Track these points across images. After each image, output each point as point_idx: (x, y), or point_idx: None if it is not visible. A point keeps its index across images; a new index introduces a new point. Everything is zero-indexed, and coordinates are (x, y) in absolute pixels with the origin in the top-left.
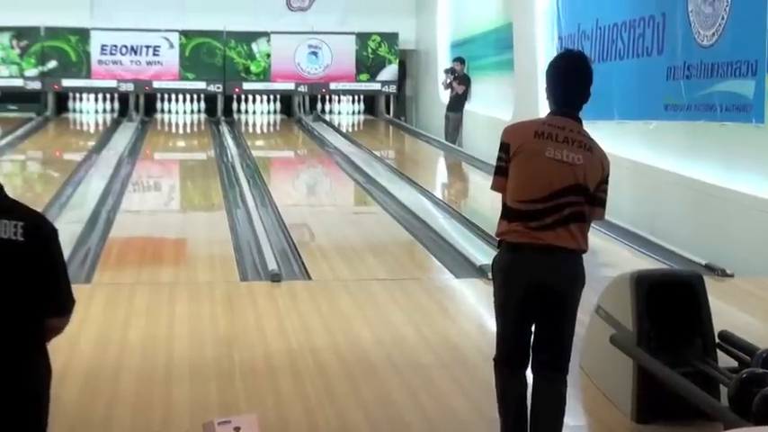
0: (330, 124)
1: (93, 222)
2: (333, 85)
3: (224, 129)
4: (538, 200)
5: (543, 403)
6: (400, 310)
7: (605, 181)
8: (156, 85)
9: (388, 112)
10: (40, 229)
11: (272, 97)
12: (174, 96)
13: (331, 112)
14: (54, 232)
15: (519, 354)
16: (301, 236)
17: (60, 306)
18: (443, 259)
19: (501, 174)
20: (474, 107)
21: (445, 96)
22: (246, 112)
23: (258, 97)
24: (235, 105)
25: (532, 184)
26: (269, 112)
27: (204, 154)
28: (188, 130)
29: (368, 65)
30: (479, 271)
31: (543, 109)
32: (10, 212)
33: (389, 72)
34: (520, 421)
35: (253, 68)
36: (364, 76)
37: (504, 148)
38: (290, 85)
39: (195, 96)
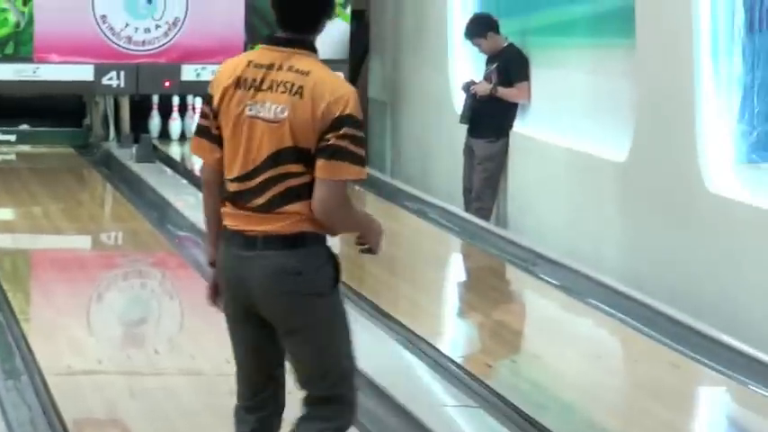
0: None
1: None
2: None
3: None
4: (242, 176)
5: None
6: None
7: (335, 126)
8: None
9: None
10: None
11: None
12: None
13: None
14: None
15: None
16: None
17: None
18: None
19: (201, 134)
20: (531, 127)
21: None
22: None
23: None
24: None
25: (234, 155)
26: None
27: None
28: None
29: None
30: None
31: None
32: None
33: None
34: None
35: None
36: None
37: (207, 99)
38: None
39: None
